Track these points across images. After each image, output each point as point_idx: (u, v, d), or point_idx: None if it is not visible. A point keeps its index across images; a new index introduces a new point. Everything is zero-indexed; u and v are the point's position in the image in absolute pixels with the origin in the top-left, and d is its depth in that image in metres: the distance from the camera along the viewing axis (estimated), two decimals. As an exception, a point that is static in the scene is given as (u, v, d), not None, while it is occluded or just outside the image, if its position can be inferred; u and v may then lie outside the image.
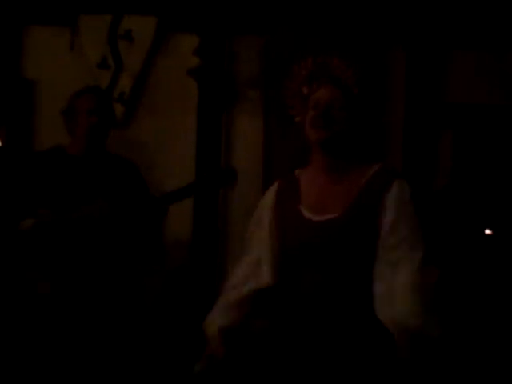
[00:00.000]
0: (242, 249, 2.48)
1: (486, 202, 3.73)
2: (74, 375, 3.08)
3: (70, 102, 3.33)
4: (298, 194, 2.37)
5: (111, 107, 3.48)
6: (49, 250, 3.14)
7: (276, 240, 2.38)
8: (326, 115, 2.32)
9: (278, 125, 3.90)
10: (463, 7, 3.91)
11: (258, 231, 2.43)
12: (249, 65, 4.06)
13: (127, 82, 4.05)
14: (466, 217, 3.60)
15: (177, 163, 4.03)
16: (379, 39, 3.99)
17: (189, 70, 3.99)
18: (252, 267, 2.40)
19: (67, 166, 3.26)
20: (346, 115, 2.34)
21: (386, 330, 2.16)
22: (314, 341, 2.21)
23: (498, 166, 3.94)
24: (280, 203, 2.39)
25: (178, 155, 4.03)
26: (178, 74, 4.03)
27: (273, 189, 2.44)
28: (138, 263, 3.34)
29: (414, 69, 4.00)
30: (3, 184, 3.34)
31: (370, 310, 2.21)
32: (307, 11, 3.98)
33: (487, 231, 3.45)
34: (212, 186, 3.04)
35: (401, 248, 2.23)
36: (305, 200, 2.34)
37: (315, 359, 2.20)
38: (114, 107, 4.01)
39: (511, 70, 3.94)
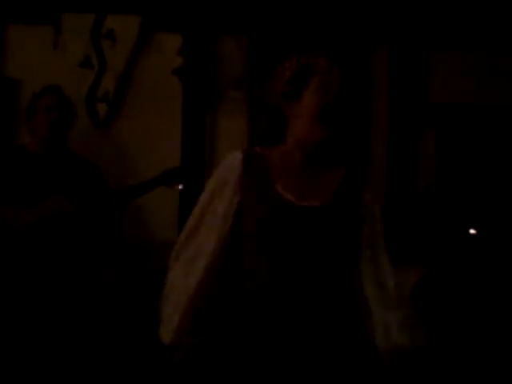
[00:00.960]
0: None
1: (470, 202, 3.75)
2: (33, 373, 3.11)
3: (31, 101, 3.41)
4: (270, 172, 2.18)
5: (71, 106, 3.48)
6: (4, 246, 3.17)
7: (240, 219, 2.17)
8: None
9: (263, 125, 3.90)
10: (446, 7, 3.94)
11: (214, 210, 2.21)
12: (233, 65, 4.06)
13: (111, 81, 4.04)
14: (450, 216, 3.63)
15: (161, 163, 3.98)
16: (363, 39, 4.01)
17: (173, 70, 3.98)
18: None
19: (26, 163, 3.30)
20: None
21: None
22: (298, 333, 2.10)
23: (481, 165, 3.97)
24: (248, 179, 2.19)
25: (163, 155, 4.02)
26: (162, 74, 4.02)
27: (235, 162, 2.21)
28: (97, 259, 3.39)
29: (397, 69, 4.02)
30: None
31: (353, 304, 2.17)
32: (291, 11, 3.98)
33: (471, 231, 3.47)
34: (168, 183, 3.15)
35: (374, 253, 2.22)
36: (281, 180, 2.18)
37: (298, 351, 2.10)
38: (98, 107, 4.03)
39: (494, 69, 3.97)
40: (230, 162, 2.22)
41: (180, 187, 3.19)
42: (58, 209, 3.18)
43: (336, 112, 2.20)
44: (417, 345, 2.09)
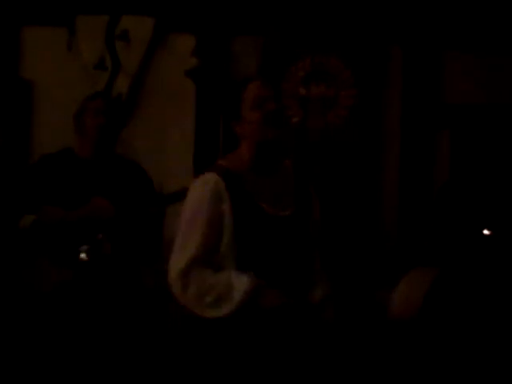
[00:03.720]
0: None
1: (484, 203, 3.73)
2: (74, 372, 3.11)
3: (80, 105, 3.38)
4: (247, 189, 2.40)
5: (119, 111, 3.50)
6: (51, 246, 3.17)
7: (229, 234, 2.37)
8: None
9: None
10: (461, 8, 3.92)
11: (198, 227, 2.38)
12: (246, 65, 4.06)
13: (124, 82, 4.05)
14: (465, 217, 3.60)
15: (175, 164, 4.02)
16: (376, 39, 3.99)
17: (186, 71, 3.98)
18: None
19: (76, 168, 3.30)
20: None
21: None
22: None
23: (496, 165, 3.95)
24: (233, 197, 2.38)
25: (176, 156, 4.03)
26: (175, 75, 4.03)
27: (214, 182, 2.40)
28: (138, 262, 3.37)
29: (411, 69, 4.00)
30: (3, 183, 3.38)
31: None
32: (305, 11, 3.98)
33: (486, 231, 3.45)
34: None
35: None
36: (259, 195, 2.41)
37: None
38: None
39: (508, 70, 3.95)
40: (208, 188, 2.39)
41: None
42: (97, 211, 3.19)
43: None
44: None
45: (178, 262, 2.35)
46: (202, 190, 2.39)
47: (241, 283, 2.31)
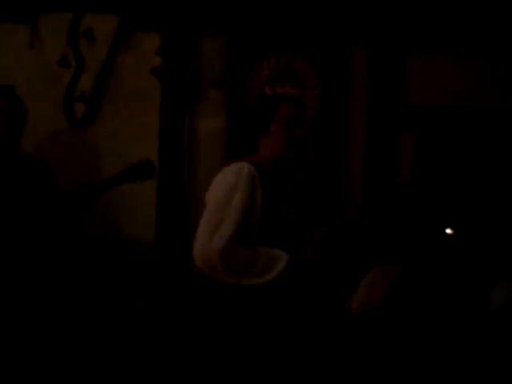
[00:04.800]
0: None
1: (447, 202, 3.77)
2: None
3: None
4: (271, 185, 2.63)
5: (23, 107, 3.44)
6: None
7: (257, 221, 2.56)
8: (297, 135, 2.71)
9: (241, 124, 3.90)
10: (423, 10, 3.96)
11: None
12: (212, 65, 4.05)
13: (88, 81, 4.02)
14: (427, 216, 3.64)
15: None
16: (341, 41, 4.01)
17: (152, 70, 3.96)
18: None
19: None
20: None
21: None
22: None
23: (458, 166, 3.99)
24: (265, 187, 2.61)
25: (140, 155, 3.99)
26: (140, 74, 4.00)
27: (248, 169, 2.59)
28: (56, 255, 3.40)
29: (375, 70, 4.03)
30: None
31: None
32: (271, 12, 3.99)
33: (448, 230, 3.49)
34: (132, 178, 3.27)
35: None
36: (278, 193, 2.66)
37: None
38: (75, 107, 4.01)
39: (470, 71, 3.99)
40: (243, 177, 2.59)
41: None
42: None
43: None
44: None
45: (215, 242, 2.50)
46: (236, 174, 2.57)
47: (279, 253, 2.54)
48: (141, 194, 3.84)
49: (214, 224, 2.52)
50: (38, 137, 3.90)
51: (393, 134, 4.03)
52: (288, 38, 3.97)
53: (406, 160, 4.05)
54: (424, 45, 4.00)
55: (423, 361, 2.60)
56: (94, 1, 3.99)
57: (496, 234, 3.69)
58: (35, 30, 4.02)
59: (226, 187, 2.57)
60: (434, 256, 3.30)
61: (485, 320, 2.78)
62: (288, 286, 2.55)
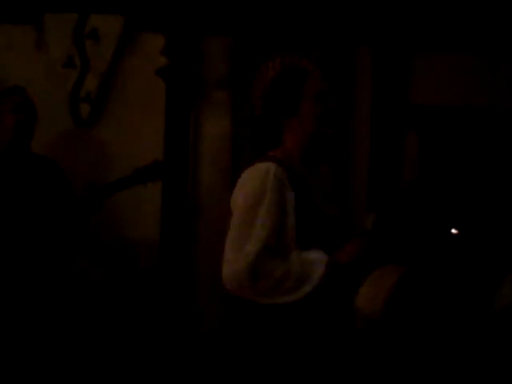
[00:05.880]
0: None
1: (452, 202, 3.77)
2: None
3: None
4: (303, 184, 2.39)
5: (35, 108, 3.45)
6: None
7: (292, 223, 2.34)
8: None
9: (246, 125, 3.91)
10: (429, 9, 3.96)
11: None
12: (217, 65, 4.06)
13: (94, 81, 4.03)
14: (433, 216, 3.64)
15: (144, 163, 4.00)
16: (346, 40, 4.02)
17: (156, 70, 3.97)
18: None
19: None
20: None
21: None
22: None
23: (463, 166, 3.99)
24: (294, 187, 2.36)
25: (145, 156, 4.00)
26: (145, 74, 4.01)
27: (275, 170, 2.35)
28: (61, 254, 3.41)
29: (380, 70, 4.03)
30: None
31: None
32: (276, 12, 3.99)
33: (453, 231, 3.49)
34: (143, 180, 3.23)
35: None
36: (313, 191, 2.42)
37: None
38: (80, 107, 4.02)
39: (475, 71, 4.00)
40: (271, 178, 2.33)
41: None
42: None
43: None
44: None
45: (245, 255, 2.27)
46: (264, 177, 2.33)
47: (315, 256, 2.30)
48: (145, 195, 3.84)
49: (243, 234, 2.28)
50: (44, 137, 3.90)
51: (398, 134, 4.04)
52: (293, 39, 3.97)
53: (410, 159, 4.05)
54: (429, 45, 4.00)
55: (428, 360, 2.60)
56: (99, 1, 4.00)
57: (499, 234, 3.69)
58: (40, 31, 4.03)
59: (251, 195, 2.32)
60: (439, 255, 3.30)
61: (490, 319, 2.79)
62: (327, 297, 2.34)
